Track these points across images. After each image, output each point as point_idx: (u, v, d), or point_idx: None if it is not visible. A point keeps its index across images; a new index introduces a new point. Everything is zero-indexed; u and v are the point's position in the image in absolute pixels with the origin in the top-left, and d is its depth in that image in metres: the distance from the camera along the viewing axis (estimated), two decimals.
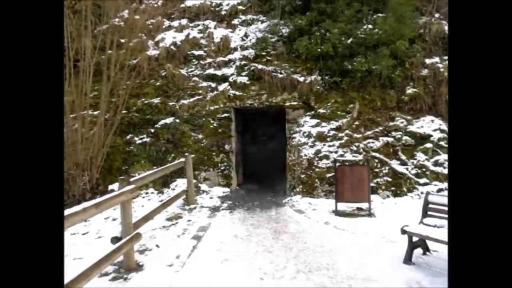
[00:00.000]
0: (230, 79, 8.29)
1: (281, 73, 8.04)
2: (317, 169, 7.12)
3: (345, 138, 7.25)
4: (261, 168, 11.49)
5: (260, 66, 8.12)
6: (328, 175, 7.01)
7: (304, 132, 7.49)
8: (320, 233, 5.16)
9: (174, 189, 7.50)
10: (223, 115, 8.11)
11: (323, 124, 7.51)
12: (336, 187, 6.09)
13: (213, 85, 8.39)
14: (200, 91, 8.34)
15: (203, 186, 7.79)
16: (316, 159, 7.18)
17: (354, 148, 7.12)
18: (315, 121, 7.59)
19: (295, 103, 7.86)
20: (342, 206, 6.27)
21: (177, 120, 8.10)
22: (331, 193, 6.97)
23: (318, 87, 7.74)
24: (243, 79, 8.20)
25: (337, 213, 6.12)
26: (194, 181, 7.62)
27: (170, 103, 8.26)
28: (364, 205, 6.23)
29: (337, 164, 6.15)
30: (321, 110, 7.64)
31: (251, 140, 11.79)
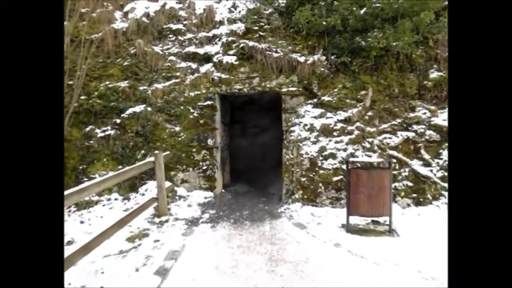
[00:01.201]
0: (215, 59, 6.78)
1: (276, 52, 6.57)
2: (321, 171, 5.74)
3: (356, 132, 5.86)
4: (251, 166, 10.10)
5: (251, 43, 6.62)
6: (335, 178, 5.65)
7: (305, 125, 6.08)
8: (331, 262, 3.80)
9: (143, 195, 6.04)
10: (205, 103, 6.62)
11: (329, 114, 6.10)
12: (349, 196, 4.72)
13: (194, 66, 6.87)
14: (178, 73, 6.81)
15: (180, 190, 6.34)
16: (320, 158, 5.79)
17: (367, 145, 5.76)
18: (318, 111, 6.17)
19: (293, 88, 6.42)
20: (354, 219, 4.92)
21: (149, 109, 6.58)
22: (338, 201, 5.63)
23: (323, 69, 6.30)
24: (231, 59, 6.70)
25: (348, 228, 4.77)
26: (169, 184, 6.16)
27: (141, 88, 6.71)
28: (381, 217, 4.91)
29: (350, 166, 4.77)
30: (326, 98, 6.22)
31: (240, 133, 10.34)
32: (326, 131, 5.94)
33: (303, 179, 5.84)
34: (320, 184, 5.72)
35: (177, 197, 6.11)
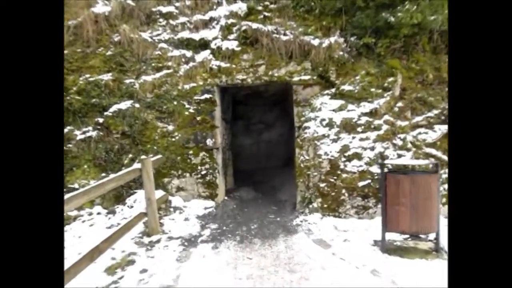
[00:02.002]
0: (213, 45, 5.79)
1: (285, 35, 5.57)
2: (344, 175, 4.77)
3: (385, 127, 4.88)
4: (257, 166, 9.15)
5: (255, 26, 5.62)
6: (361, 183, 4.67)
7: (323, 120, 5.09)
8: None
9: (132, 207, 5.09)
10: (203, 97, 5.64)
11: (350, 107, 5.11)
12: (385, 208, 3.75)
13: (189, 54, 5.88)
14: (170, 63, 5.82)
15: (176, 200, 5.37)
16: (343, 159, 4.82)
17: (399, 142, 4.77)
18: (338, 102, 5.18)
19: (306, 77, 5.43)
20: (390, 234, 3.95)
21: (137, 105, 5.60)
22: (366, 210, 4.66)
23: (341, 53, 5.30)
24: (231, 44, 5.71)
25: (384, 247, 3.80)
26: (162, 193, 5.21)
27: (127, 81, 5.73)
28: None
29: (385, 169, 3.79)
30: (346, 87, 5.23)
31: (243, 130, 9.37)
32: (348, 127, 4.95)
33: (322, 185, 4.86)
34: (343, 191, 4.74)
35: (171, 209, 5.14)
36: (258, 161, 9.30)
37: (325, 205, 4.82)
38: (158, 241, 4.25)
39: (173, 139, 5.54)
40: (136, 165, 4.25)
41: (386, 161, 3.91)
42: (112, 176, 3.96)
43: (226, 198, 6.04)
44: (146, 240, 4.28)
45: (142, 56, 5.88)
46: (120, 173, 3.97)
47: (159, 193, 5.17)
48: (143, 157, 4.30)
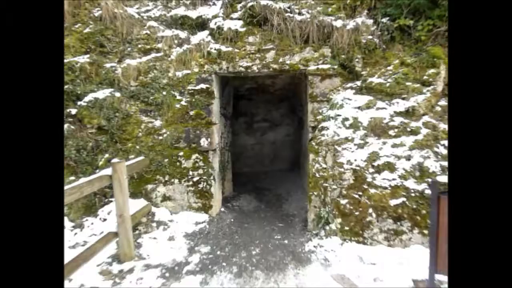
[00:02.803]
0: (212, 25, 4.79)
1: (300, 14, 4.56)
2: (371, 190, 3.76)
3: (424, 131, 3.86)
4: (259, 169, 8.17)
5: (264, 2, 4.61)
6: (394, 201, 3.67)
7: (345, 119, 4.08)
8: None
9: (105, 220, 4.11)
10: (198, 87, 4.64)
11: (380, 104, 4.10)
12: (436, 243, 2.74)
13: (183, 34, 4.88)
14: (160, 45, 4.82)
15: (161, 212, 4.39)
16: (370, 170, 3.81)
17: (443, 151, 3.75)
18: (364, 98, 4.17)
19: (325, 66, 4.42)
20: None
21: (118, 94, 4.60)
22: (398, 235, 3.66)
23: (370, 37, 4.29)
24: (235, 24, 4.70)
25: None
26: (144, 204, 4.24)
27: (107, 65, 4.73)
28: None
29: (439, 188, 2.77)
30: (375, 80, 4.22)
31: (245, 128, 8.38)
32: (378, 129, 3.94)
33: (343, 201, 3.86)
34: (370, 210, 3.74)
35: (154, 224, 4.15)
36: (261, 163, 8.31)
37: (347, 228, 3.82)
38: (131, 270, 3.27)
39: (160, 137, 4.55)
40: (104, 172, 3.25)
41: (439, 178, 2.88)
42: (82, 181, 2.96)
43: (222, 209, 5.05)
44: (115, 268, 3.30)
45: (127, 36, 4.88)
46: (80, 181, 2.97)
47: (140, 204, 4.20)
48: (114, 160, 3.30)
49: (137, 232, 3.98)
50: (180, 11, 5.04)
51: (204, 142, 4.57)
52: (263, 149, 8.35)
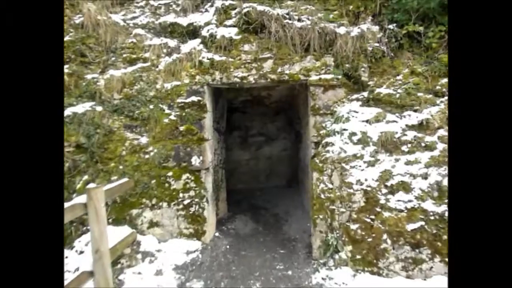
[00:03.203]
0: (205, 32, 4.41)
1: (300, 21, 4.22)
2: (385, 213, 3.35)
3: (441, 146, 3.49)
4: (255, 186, 7.73)
5: (260, 8, 4.27)
6: (411, 226, 3.26)
7: (352, 134, 3.70)
8: None
9: (82, 252, 3.58)
10: (189, 100, 4.22)
11: (390, 117, 3.73)
12: None
13: (173, 43, 4.49)
14: (148, 54, 4.41)
15: (147, 241, 3.88)
16: (383, 190, 3.40)
17: None
18: (372, 111, 3.80)
19: (328, 76, 4.06)
20: None
21: (99, 108, 4.15)
22: (417, 265, 3.24)
23: (377, 44, 3.96)
24: (229, 32, 4.34)
25: None
26: (129, 232, 3.75)
27: (89, 76, 4.29)
28: None
29: None
30: (384, 90, 3.87)
31: (239, 143, 7.96)
32: (390, 145, 3.56)
33: (353, 226, 3.43)
34: (385, 236, 3.32)
35: (139, 256, 3.65)
36: (256, 179, 7.86)
37: (358, 256, 3.38)
38: None
39: (147, 156, 4.09)
40: (79, 199, 2.77)
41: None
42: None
43: (216, 234, 4.56)
44: None
45: (110, 44, 4.46)
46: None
47: (123, 232, 3.69)
48: (90, 185, 2.82)
49: (119, 266, 3.47)
50: (170, 18, 4.67)
51: (195, 160, 4.12)
52: (258, 164, 7.91)
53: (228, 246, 4.28)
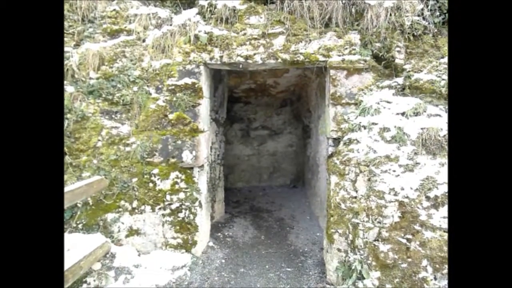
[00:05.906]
0: (202, 1, 3.63)
1: None
2: (427, 232, 2.60)
3: None
4: (258, 185, 7.01)
5: None
6: None
7: (384, 130, 2.94)
8: None
9: None
10: (181, 82, 3.46)
11: (433, 109, 2.97)
12: None
13: (163, 13, 3.71)
14: (132, 26, 3.64)
15: (124, 253, 3.16)
16: (424, 202, 2.66)
17: None
18: (409, 101, 3.04)
19: (354, 57, 3.29)
20: None
21: (70, 89, 3.40)
22: None
23: (417, 18, 3.18)
24: (232, 1, 3.56)
25: None
26: (101, 242, 3.01)
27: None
28: None
29: None
30: (424, 76, 3.10)
31: (240, 136, 7.22)
32: (433, 145, 2.81)
33: (383, 247, 2.70)
34: (425, 262, 2.58)
35: (111, 273, 2.92)
36: (258, 178, 7.12)
37: (389, 286, 2.65)
38: None
39: (128, 149, 3.34)
40: None
41: None
42: None
43: (210, 243, 3.84)
44: None
45: (88, 13, 3.68)
46: None
47: (93, 242, 2.97)
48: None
49: (84, 286, 2.74)
50: None
51: (187, 156, 3.37)
52: (261, 161, 7.16)
53: (223, 260, 3.55)
